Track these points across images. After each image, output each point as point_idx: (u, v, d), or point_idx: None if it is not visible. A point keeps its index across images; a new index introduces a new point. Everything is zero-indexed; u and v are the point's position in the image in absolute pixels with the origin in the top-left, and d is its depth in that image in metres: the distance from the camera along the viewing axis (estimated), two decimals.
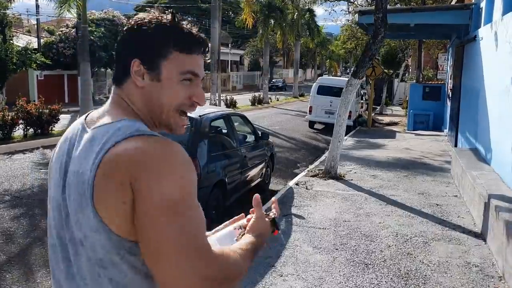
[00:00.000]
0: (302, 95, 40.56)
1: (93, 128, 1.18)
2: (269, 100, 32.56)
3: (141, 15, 1.24)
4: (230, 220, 1.50)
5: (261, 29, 31.89)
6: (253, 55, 57.08)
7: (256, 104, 29.45)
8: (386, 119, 22.22)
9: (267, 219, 1.39)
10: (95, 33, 27.54)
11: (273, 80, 56.92)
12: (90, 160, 1.11)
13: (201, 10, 61.87)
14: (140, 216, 1.06)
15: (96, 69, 29.13)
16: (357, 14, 11.48)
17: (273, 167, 8.70)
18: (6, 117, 11.80)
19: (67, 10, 15.94)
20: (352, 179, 8.85)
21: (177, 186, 1.07)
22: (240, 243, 1.27)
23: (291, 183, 8.48)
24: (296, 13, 36.21)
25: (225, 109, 6.99)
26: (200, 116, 5.81)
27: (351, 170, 9.74)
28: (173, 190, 1.06)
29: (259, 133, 7.72)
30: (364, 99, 24.01)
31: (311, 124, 18.67)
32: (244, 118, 7.59)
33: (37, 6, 27.41)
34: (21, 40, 28.30)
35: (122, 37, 1.26)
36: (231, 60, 55.84)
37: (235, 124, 7.77)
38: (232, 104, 26.03)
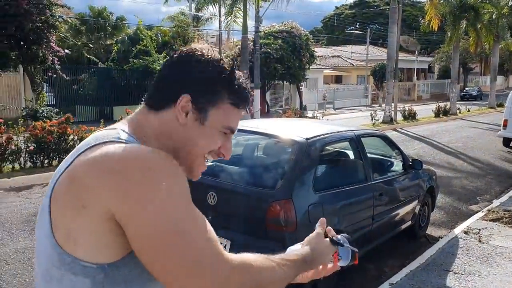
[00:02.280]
0: (500, 105, 34.95)
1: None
2: (457, 111, 28.56)
3: (199, 46, 1.16)
4: None
5: (449, 32, 28.20)
6: (443, 61, 51.88)
7: (440, 115, 26.00)
8: None
9: (327, 238, 1.35)
10: (272, 45, 27.52)
11: (466, 89, 51.25)
12: (64, 165, 1.03)
13: (388, 17, 59.04)
14: (129, 232, 0.95)
15: (272, 81, 29.17)
16: None
17: (433, 205, 6.48)
18: None
19: (233, 21, 15.72)
20: None
21: (168, 200, 0.95)
22: (284, 254, 1.21)
23: (458, 229, 6.19)
24: (495, 12, 31.34)
25: (354, 128, 5.18)
26: (307, 139, 4.18)
27: None
28: (165, 205, 0.94)
29: (410, 159, 5.67)
30: None
31: (506, 141, 15.14)
32: (386, 139, 5.64)
33: (220, 22, 28.67)
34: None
35: (175, 62, 1.14)
36: (417, 68, 51.66)
37: (378, 148, 5.91)
38: (410, 115, 23.32)
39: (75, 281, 0.97)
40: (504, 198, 8.03)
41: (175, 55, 1.15)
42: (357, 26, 68.09)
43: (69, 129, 9.65)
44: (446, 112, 26.79)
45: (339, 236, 1.38)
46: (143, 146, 1.03)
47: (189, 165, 1.13)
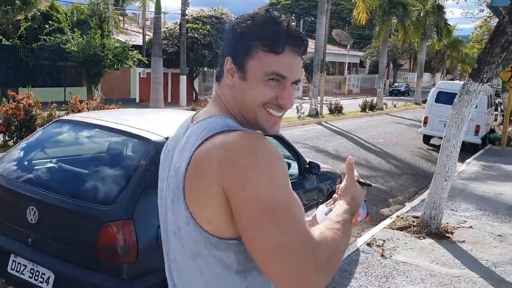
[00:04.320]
0: (425, 101, 35.82)
1: (192, 125, 1.24)
2: (384, 106, 28.85)
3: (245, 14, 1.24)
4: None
5: (378, 27, 28.32)
6: (374, 56, 52.81)
7: (366, 110, 26.06)
8: None
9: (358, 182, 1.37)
10: (200, 30, 26.33)
11: (395, 84, 52.57)
12: (185, 156, 1.16)
13: None
14: (237, 217, 1.07)
15: (200, 68, 28.03)
16: None
17: None
18: (54, 117, 10.33)
19: (150, 0, 14.52)
20: (463, 241, 5.66)
21: (269, 183, 1.07)
22: (335, 216, 1.23)
23: (362, 240, 5.56)
24: (423, 10, 31.93)
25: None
26: (167, 138, 3.27)
27: (465, 221, 6.48)
28: (266, 188, 1.06)
29: (307, 162, 4.91)
30: (499, 109, 19.59)
31: (426, 139, 15.07)
32: (280, 139, 4.81)
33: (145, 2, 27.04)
34: (136, 38, 28.29)
35: (224, 36, 1.28)
36: (349, 62, 52.30)
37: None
38: (337, 109, 23.08)
39: (222, 255, 1.13)
40: (416, 201, 7.56)
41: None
42: (293, 17, 68.04)
43: None
44: (372, 107, 26.91)
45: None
46: (248, 133, 1.14)
47: (255, 121, 1.23)
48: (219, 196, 1.07)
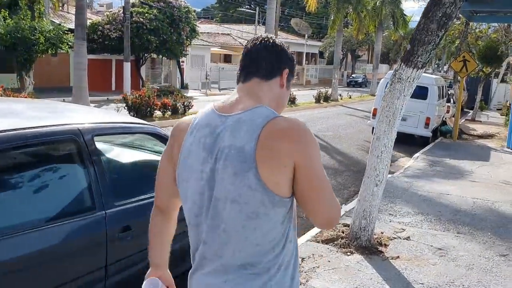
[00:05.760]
0: None
1: (237, 113, 1.53)
2: (339, 97, 28.17)
3: (270, 35, 1.69)
4: None
5: (333, 15, 27.55)
6: (332, 47, 52.32)
7: (321, 101, 25.30)
8: (479, 129, 17.26)
9: None
10: (146, 14, 24.81)
11: (352, 75, 52.31)
12: (246, 136, 1.47)
13: None
14: (301, 176, 1.48)
15: (146, 54, 26.51)
16: None
17: None
18: None
19: None
20: (397, 256, 4.77)
21: (319, 155, 1.53)
22: None
23: None
24: (379, 0, 31.43)
25: (90, 121, 3.09)
26: None
27: (402, 230, 5.61)
28: (319, 158, 1.53)
29: None
30: (452, 101, 19.16)
31: None
32: (158, 137, 3.69)
33: None
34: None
35: (275, 49, 1.65)
36: (307, 53, 51.54)
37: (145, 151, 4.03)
38: (289, 100, 22.12)
39: (279, 211, 1.51)
40: (351, 204, 6.65)
41: (269, 42, 1.64)
42: (252, 5, 66.76)
43: None
44: (327, 98, 26.19)
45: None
46: (296, 118, 1.54)
47: (280, 111, 1.63)
48: (289, 165, 1.46)
